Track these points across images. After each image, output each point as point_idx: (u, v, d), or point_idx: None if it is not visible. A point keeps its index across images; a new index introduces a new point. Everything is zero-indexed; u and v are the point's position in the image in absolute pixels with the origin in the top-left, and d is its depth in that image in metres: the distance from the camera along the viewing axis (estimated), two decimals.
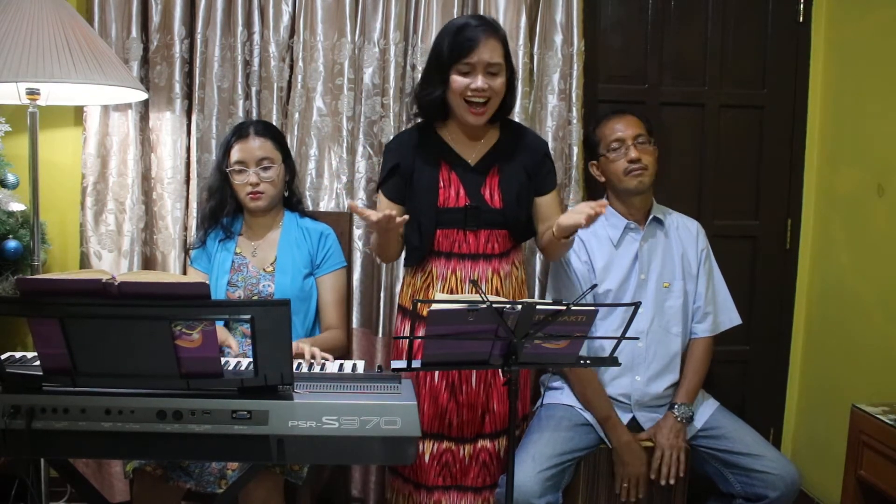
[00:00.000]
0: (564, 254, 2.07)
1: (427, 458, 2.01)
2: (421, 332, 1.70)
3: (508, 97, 1.96)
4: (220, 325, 1.96)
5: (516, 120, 2.41)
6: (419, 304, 1.89)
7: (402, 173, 1.98)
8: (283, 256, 2.08)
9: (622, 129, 2.13)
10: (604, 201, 1.90)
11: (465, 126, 1.97)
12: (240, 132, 2.08)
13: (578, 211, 1.76)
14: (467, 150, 1.99)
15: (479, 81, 1.85)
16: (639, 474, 2.04)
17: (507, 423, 2.01)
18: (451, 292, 1.96)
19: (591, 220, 1.73)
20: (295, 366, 1.68)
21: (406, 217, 1.82)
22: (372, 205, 2.31)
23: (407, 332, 2.04)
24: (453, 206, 1.95)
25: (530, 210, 2.03)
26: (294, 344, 1.81)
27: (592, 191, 2.54)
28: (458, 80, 1.87)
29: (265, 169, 2.05)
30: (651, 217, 2.18)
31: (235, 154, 2.05)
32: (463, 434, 2.01)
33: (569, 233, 1.82)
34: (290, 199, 2.18)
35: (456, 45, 1.85)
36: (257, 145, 2.05)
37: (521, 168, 1.99)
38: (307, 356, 1.78)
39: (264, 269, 2.08)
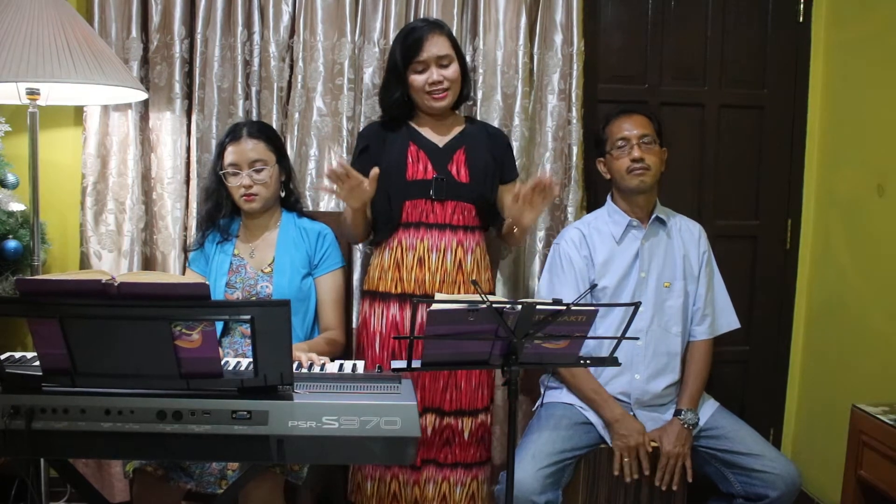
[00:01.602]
0: (522, 243, 2.20)
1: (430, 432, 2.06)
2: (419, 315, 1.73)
3: (464, 85, 2.11)
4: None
5: (516, 120, 2.43)
6: (420, 300, 1.90)
7: (371, 155, 2.08)
8: (280, 257, 2.08)
9: (629, 128, 2.14)
10: (539, 178, 1.92)
11: (433, 117, 2.10)
12: (233, 134, 2.08)
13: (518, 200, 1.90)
14: (435, 136, 2.11)
15: (435, 75, 2.02)
16: (638, 444, 2.02)
17: (473, 404, 2.08)
18: (420, 262, 2.04)
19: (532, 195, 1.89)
20: (295, 366, 1.68)
21: (376, 171, 1.92)
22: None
23: (377, 319, 2.08)
24: (421, 178, 2.05)
25: (495, 191, 2.13)
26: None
27: (592, 191, 2.54)
28: (416, 79, 2.03)
29: (258, 171, 2.05)
30: (654, 216, 2.18)
31: (229, 156, 2.05)
32: (461, 407, 2.06)
33: (521, 227, 1.97)
34: (288, 199, 2.17)
35: (406, 49, 2.02)
36: (250, 147, 2.05)
37: (487, 150, 2.11)
38: (304, 362, 1.76)
39: (262, 271, 2.08)
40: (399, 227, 2.06)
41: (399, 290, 2.05)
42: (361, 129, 2.24)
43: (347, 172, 1.88)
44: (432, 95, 2.02)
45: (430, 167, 2.06)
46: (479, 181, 2.07)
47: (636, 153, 2.11)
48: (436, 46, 2.00)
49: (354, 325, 2.46)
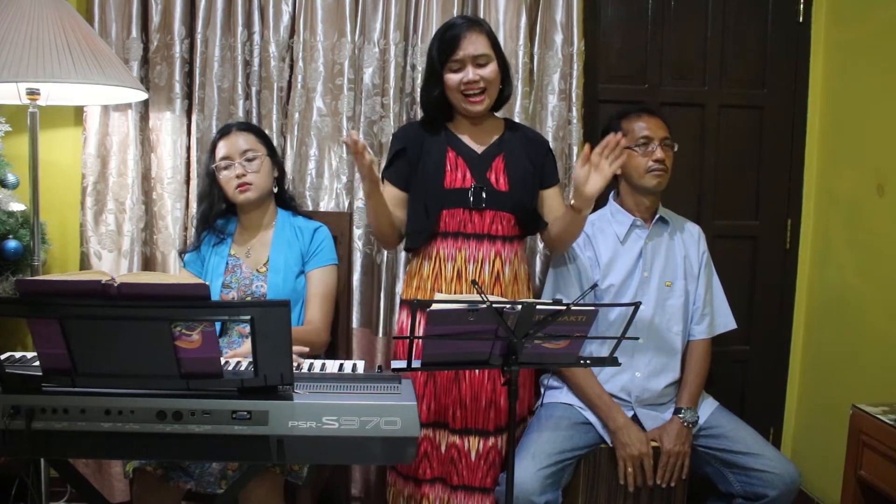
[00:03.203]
0: (577, 236, 2.06)
1: (432, 451, 2.02)
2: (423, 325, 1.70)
3: (505, 87, 2.04)
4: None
5: (516, 120, 2.43)
6: (419, 302, 1.89)
7: (407, 158, 2.03)
8: (275, 256, 2.08)
9: (651, 128, 2.14)
10: (610, 137, 1.85)
11: (471, 119, 2.04)
12: (222, 131, 2.12)
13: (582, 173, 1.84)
14: (473, 141, 2.06)
15: (470, 74, 1.95)
16: (641, 454, 2.02)
17: (482, 424, 2.01)
18: (458, 273, 1.99)
19: (601, 157, 1.82)
20: (294, 366, 1.68)
21: (373, 158, 1.84)
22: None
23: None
24: (459, 186, 2.00)
25: (535, 198, 2.07)
26: None
27: None
28: (451, 78, 1.96)
29: (249, 160, 2.06)
30: (657, 217, 2.19)
31: (220, 151, 2.07)
32: (467, 425, 2.00)
33: (585, 195, 1.86)
34: (282, 197, 2.18)
35: (442, 46, 1.96)
36: (240, 139, 2.08)
37: (526, 157, 2.05)
38: None
39: (257, 270, 2.08)
40: (437, 237, 2.01)
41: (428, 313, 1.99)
42: (396, 129, 2.17)
43: (360, 148, 1.76)
44: (468, 98, 1.96)
45: (468, 175, 2.00)
46: (519, 189, 2.01)
47: (659, 154, 2.11)
48: (472, 45, 1.93)
49: (355, 327, 2.47)
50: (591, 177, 1.84)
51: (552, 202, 2.09)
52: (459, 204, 1.99)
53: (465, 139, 2.05)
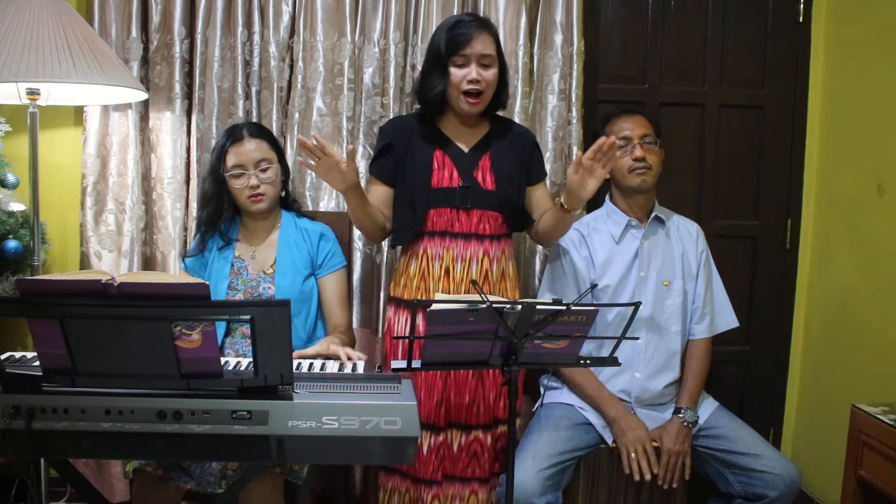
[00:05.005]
0: (566, 232, 2.08)
1: (425, 450, 2.02)
2: (421, 325, 1.70)
3: (502, 91, 2.04)
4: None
5: (516, 120, 2.43)
6: (419, 302, 1.90)
7: (394, 154, 2.03)
8: (282, 258, 2.07)
9: (630, 127, 2.15)
10: (603, 139, 1.82)
11: (460, 117, 2.04)
12: (234, 136, 2.06)
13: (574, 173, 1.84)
14: (461, 138, 2.06)
15: (474, 72, 1.94)
16: (643, 439, 2.01)
17: (499, 415, 2.06)
18: (446, 271, 2.00)
19: (593, 161, 1.80)
20: (294, 366, 1.68)
21: (352, 149, 1.87)
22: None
23: (401, 325, 2.06)
24: (447, 185, 2.00)
25: (522, 195, 2.08)
26: (325, 345, 1.84)
27: None
28: (455, 73, 1.95)
29: (263, 170, 2.04)
30: (653, 216, 2.19)
31: (232, 158, 2.04)
32: (451, 420, 2.03)
33: (579, 198, 1.86)
34: (286, 199, 2.17)
35: (452, 40, 1.95)
36: (253, 147, 2.04)
37: (512, 154, 2.06)
38: (343, 357, 1.78)
39: (264, 272, 2.08)
40: (424, 236, 2.02)
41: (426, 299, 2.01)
42: (384, 123, 2.18)
43: (323, 148, 1.80)
44: (467, 98, 1.95)
45: (455, 174, 2.01)
46: (505, 187, 2.01)
47: (638, 152, 2.12)
48: (481, 44, 1.94)
49: (355, 327, 2.46)
50: (587, 181, 1.84)
51: (539, 199, 2.10)
52: (447, 203, 2.00)
53: (453, 137, 2.05)
